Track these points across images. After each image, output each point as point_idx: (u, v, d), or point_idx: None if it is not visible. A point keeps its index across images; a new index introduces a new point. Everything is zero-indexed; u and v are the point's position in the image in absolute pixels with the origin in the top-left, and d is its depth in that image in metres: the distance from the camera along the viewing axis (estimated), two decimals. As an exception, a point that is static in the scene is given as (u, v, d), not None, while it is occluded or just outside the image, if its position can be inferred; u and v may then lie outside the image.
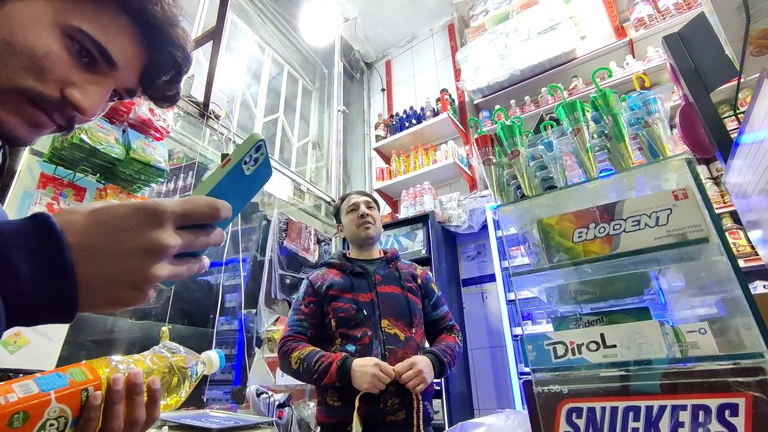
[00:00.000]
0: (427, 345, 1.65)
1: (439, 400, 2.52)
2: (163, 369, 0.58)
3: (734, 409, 0.50)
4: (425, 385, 1.38)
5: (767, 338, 0.51)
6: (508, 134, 0.77)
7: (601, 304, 1.02)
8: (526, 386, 0.64)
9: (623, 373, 0.58)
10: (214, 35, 2.01)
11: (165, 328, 1.91)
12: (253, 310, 2.62)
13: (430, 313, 1.68)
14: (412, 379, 1.36)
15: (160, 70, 0.55)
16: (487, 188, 3.45)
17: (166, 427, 1.57)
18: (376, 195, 4.07)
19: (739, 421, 0.49)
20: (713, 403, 0.51)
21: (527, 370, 0.68)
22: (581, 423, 0.58)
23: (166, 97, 0.60)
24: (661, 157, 0.68)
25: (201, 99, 2.47)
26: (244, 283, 2.84)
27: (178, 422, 1.63)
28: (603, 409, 0.57)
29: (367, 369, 1.35)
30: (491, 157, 0.80)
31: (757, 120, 0.80)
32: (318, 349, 1.49)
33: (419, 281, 1.70)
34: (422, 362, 1.40)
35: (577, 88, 3.30)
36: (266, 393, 2.28)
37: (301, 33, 4.03)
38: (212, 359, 0.70)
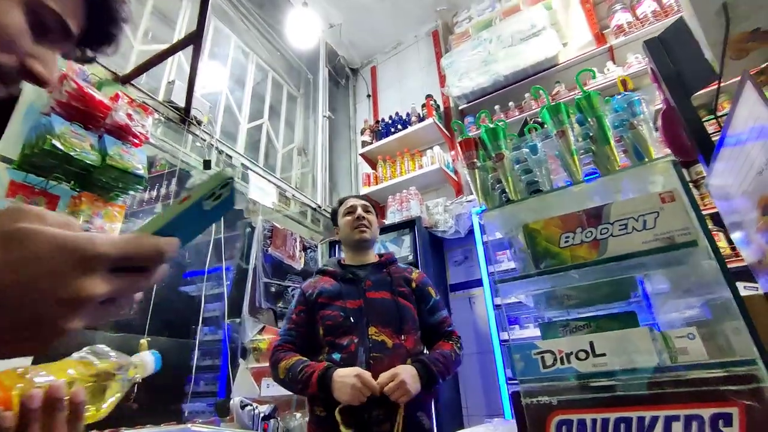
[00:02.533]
0: (426, 352, 1.58)
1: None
2: (89, 377, 0.53)
3: (728, 419, 0.48)
4: (408, 396, 1.30)
5: (759, 344, 0.50)
6: (492, 138, 0.76)
7: (588, 309, 1.01)
8: (515, 397, 0.62)
9: (614, 382, 0.56)
10: (194, 40, 1.97)
11: (143, 341, 1.84)
12: (237, 320, 2.55)
13: (427, 318, 1.59)
14: (394, 391, 1.29)
15: (98, 40, 0.56)
16: (473, 193, 3.46)
17: (145, 445, 1.50)
18: (362, 201, 4.03)
19: (734, 431, 0.48)
20: (706, 412, 0.50)
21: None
22: (571, 436, 0.56)
23: (89, 60, 0.60)
24: (647, 160, 0.67)
25: (182, 104, 2.41)
26: (228, 292, 2.78)
27: (157, 439, 1.56)
28: (594, 421, 0.55)
29: (347, 380, 1.30)
30: (475, 160, 0.78)
31: (739, 122, 0.80)
32: (305, 358, 1.45)
33: (414, 285, 1.63)
34: (405, 372, 1.33)
35: (560, 94, 3.33)
36: (251, 405, 2.21)
37: (285, 39, 4.00)
38: (146, 361, 0.65)
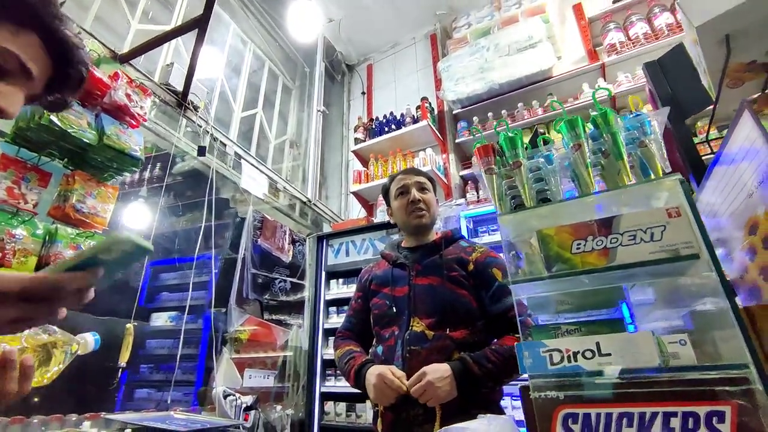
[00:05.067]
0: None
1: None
2: (37, 347, 0.66)
3: (721, 417, 0.53)
4: (438, 399, 1.15)
5: (752, 350, 0.55)
6: (510, 146, 0.80)
7: (578, 315, 1.07)
8: (524, 391, 0.66)
9: (617, 380, 0.61)
10: (199, 23, 1.94)
11: (130, 325, 1.81)
12: (223, 309, 2.54)
13: (490, 306, 1.33)
14: (420, 393, 1.15)
15: (66, 83, 0.63)
16: (462, 196, 3.52)
17: (129, 430, 1.49)
18: (351, 198, 4.05)
19: (726, 428, 0.53)
20: (702, 410, 0.55)
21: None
22: (577, 428, 0.60)
23: (63, 104, 0.67)
24: (653, 177, 0.72)
25: (179, 88, 2.38)
26: (216, 280, 2.76)
27: (142, 424, 1.55)
28: (598, 415, 0.60)
29: (371, 380, 1.22)
30: (493, 166, 0.82)
31: (734, 146, 0.86)
32: (355, 349, 1.41)
33: (471, 267, 1.37)
34: (433, 372, 1.16)
35: (552, 105, 3.43)
36: (233, 395, 2.21)
37: (284, 30, 3.98)
38: (87, 341, 0.78)
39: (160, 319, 3.77)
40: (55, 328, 0.74)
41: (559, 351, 0.65)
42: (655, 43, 3.08)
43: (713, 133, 2.39)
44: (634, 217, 0.66)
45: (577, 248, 0.68)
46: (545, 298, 1.00)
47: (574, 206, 0.74)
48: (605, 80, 3.32)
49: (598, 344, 0.63)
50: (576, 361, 0.63)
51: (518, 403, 2.59)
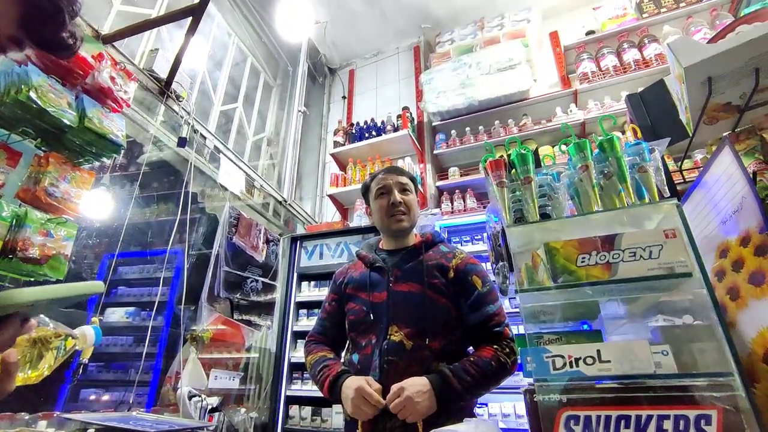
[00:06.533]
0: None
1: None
2: (24, 342, 0.59)
3: (708, 419, 0.60)
4: (417, 415, 1.11)
5: (737, 359, 0.61)
6: (521, 162, 0.85)
7: (559, 325, 1.13)
8: (528, 394, 0.70)
9: (616, 385, 0.66)
10: (194, 12, 1.90)
11: (95, 318, 1.71)
12: (191, 306, 2.45)
13: (468, 315, 1.30)
14: (399, 409, 1.11)
15: (40, 16, 0.53)
16: (437, 206, 3.59)
17: (92, 431, 1.40)
18: (326, 200, 4.04)
19: (712, 430, 0.59)
20: (691, 413, 0.61)
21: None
22: (578, 430, 0.65)
23: (58, 42, 0.57)
24: (647, 199, 0.79)
25: (162, 75, 2.30)
26: (181, 276, 2.65)
27: (104, 425, 1.47)
28: (598, 417, 0.64)
29: (348, 393, 1.17)
30: (504, 180, 0.87)
31: (712, 176, 0.96)
32: (328, 356, 1.35)
33: (451, 275, 1.33)
34: (412, 388, 1.12)
35: (527, 126, 3.59)
36: (198, 396, 2.13)
37: (269, 26, 3.94)
38: (86, 334, 0.72)
39: (116, 315, 3.57)
40: (47, 320, 0.66)
41: (562, 357, 0.70)
42: (623, 76, 3.31)
43: (671, 162, 2.61)
44: (635, 236, 0.72)
45: (582, 261, 0.73)
46: (531, 309, 1.06)
47: (574, 223, 0.80)
48: (577, 106, 3.52)
49: (598, 351, 0.68)
50: (577, 366, 0.68)
51: (482, 411, 2.66)
